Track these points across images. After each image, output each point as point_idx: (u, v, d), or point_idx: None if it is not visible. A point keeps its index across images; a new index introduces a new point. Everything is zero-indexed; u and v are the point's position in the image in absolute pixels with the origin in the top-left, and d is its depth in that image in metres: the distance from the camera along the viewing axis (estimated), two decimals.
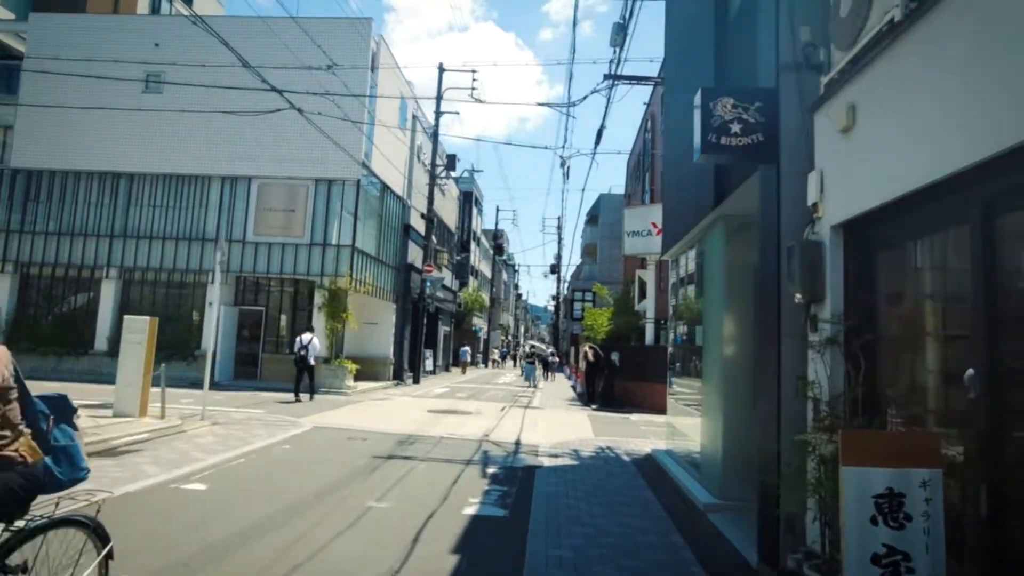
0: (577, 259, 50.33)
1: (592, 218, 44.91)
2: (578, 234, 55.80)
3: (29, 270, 17.92)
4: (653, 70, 21.27)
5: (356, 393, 16.28)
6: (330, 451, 7.68)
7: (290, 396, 13.39)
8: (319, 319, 16.91)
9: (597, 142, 11.09)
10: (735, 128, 4.22)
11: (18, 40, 18.84)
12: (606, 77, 10.13)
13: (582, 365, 21.52)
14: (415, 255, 23.25)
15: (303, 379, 13.30)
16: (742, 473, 6.04)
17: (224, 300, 17.38)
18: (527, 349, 40.80)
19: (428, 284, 22.02)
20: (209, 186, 17.61)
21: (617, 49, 9.35)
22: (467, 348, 43.26)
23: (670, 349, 9.32)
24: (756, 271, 6.17)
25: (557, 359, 40.28)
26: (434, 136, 22.65)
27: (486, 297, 48.33)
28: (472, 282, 46.97)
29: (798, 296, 3.57)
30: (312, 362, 13.41)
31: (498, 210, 46.38)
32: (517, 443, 9.27)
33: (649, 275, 16.46)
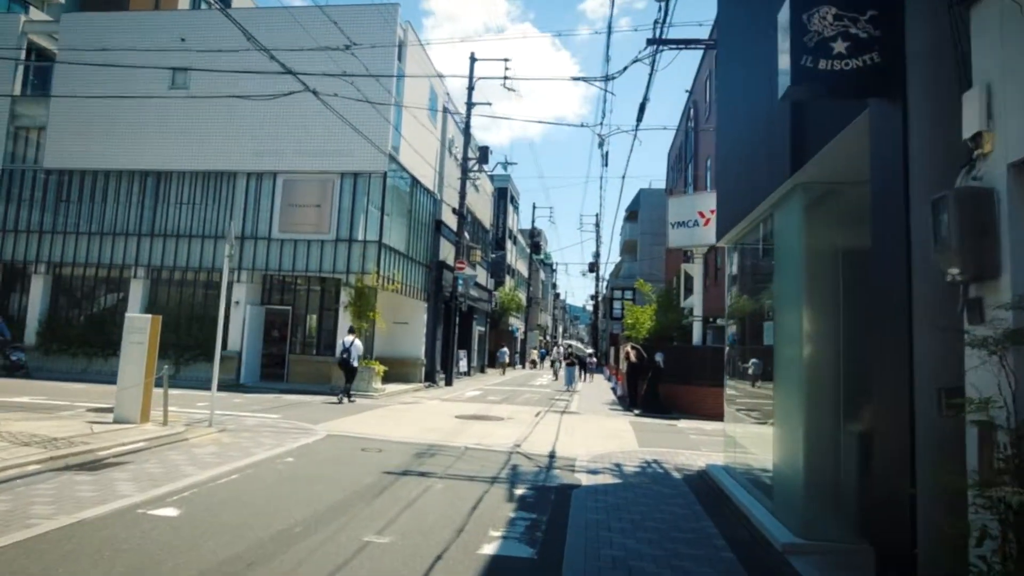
0: (616, 257, 48.86)
1: (631, 214, 43.42)
2: (617, 230, 54.19)
3: (61, 271, 17.86)
4: (702, 33, 20.03)
5: (383, 396, 15.50)
6: (337, 465, 6.79)
7: (322, 397, 12.70)
8: (345, 318, 16.22)
9: (640, 117, 9.94)
10: (839, 47, 3.09)
11: (51, 41, 18.83)
12: (649, 42, 8.98)
13: (623, 366, 20.28)
14: (447, 252, 22.44)
15: (349, 380, 13.47)
16: (831, 505, 4.85)
17: (251, 299, 16.90)
18: (563, 349, 39.66)
19: (460, 282, 21.16)
20: (235, 182, 17.16)
21: (663, 5, 8.20)
22: (505, 349, 42.41)
23: (727, 349, 8.11)
24: (845, 252, 4.97)
25: (595, 359, 38.98)
26: (466, 128, 21.79)
27: (523, 296, 47.35)
28: (508, 281, 46.06)
29: (954, 271, 2.43)
30: (355, 364, 13.37)
31: (534, 207, 45.23)
32: (551, 455, 8.21)
33: (696, 269, 15.15)
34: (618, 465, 7.69)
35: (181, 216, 17.26)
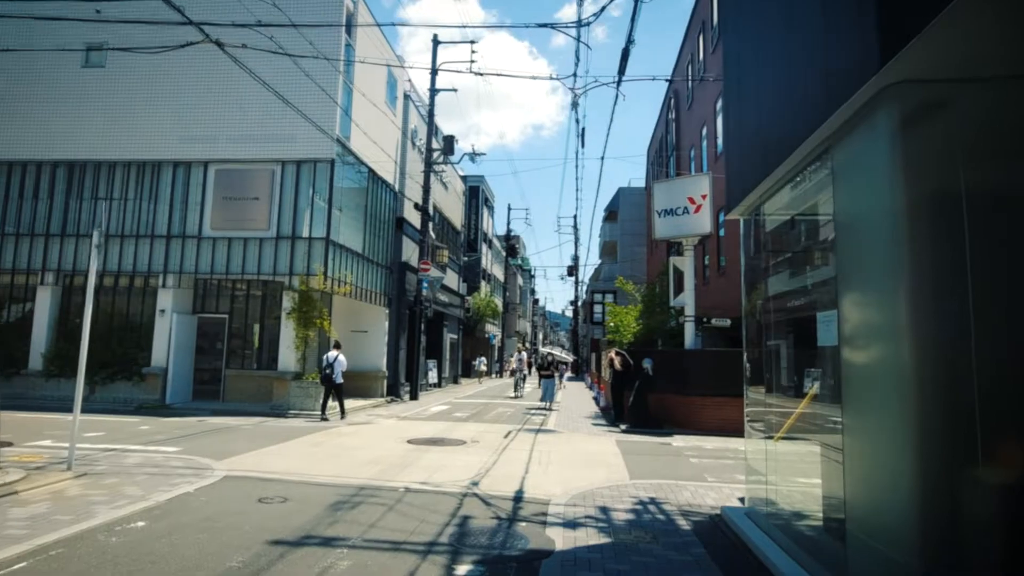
0: (596, 260, 47.21)
1: (611, 214, 41.84)
2: (597, 224, 52.59)
3: None
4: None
5: (332, 415, 13.41)
6: (204, 532, 4.77)
7: (258, 419, 10.58)
8: (287, 326, 14.11)
9: (622, 68, 8.13)
10: None
11: None
12: None
13: (606, 374, 18.44)
14: (411, 253, 20.44)
15: (329, 398, 12.90)
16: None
17: (179, 307, 14.72)
18: (523, 355, 36.63)
19: (425, 285, 19.16)
20: (159, 173, 14.98)
21: None
22: (483, 358, 40.42)
23: (745, 354, 6.28)
24: (975, 196, 3.16)
25: (565, 366, 37.05)
26: (429, 116, 19.86)
27: (499, 302, 45.43)
28: (484, 287, 44.08)
29: None
30: (340, 380, 12.88)
31: (510, 209, 43.22)
32: (517, 498, 6.27)
33: (686, 263, 13.38)
34: (605, 510, 5.78)
35: (97, 213, 14.98)
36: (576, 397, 22.69)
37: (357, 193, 16.80)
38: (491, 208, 45.52)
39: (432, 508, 5.69)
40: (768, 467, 5.58)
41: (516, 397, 20.03)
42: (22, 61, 15.04)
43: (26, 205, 15.17)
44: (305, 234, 14.34)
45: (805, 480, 5.24)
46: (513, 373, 22.91)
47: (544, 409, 15.74)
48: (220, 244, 14.51)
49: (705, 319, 13.57)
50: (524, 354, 22.38)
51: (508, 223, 42.21)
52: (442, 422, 12.86)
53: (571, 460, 8.50)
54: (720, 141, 17.97)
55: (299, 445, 9.05)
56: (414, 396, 18.89)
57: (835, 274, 3.79)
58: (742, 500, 6.41)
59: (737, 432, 12.07)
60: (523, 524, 5.29)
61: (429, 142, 19.70)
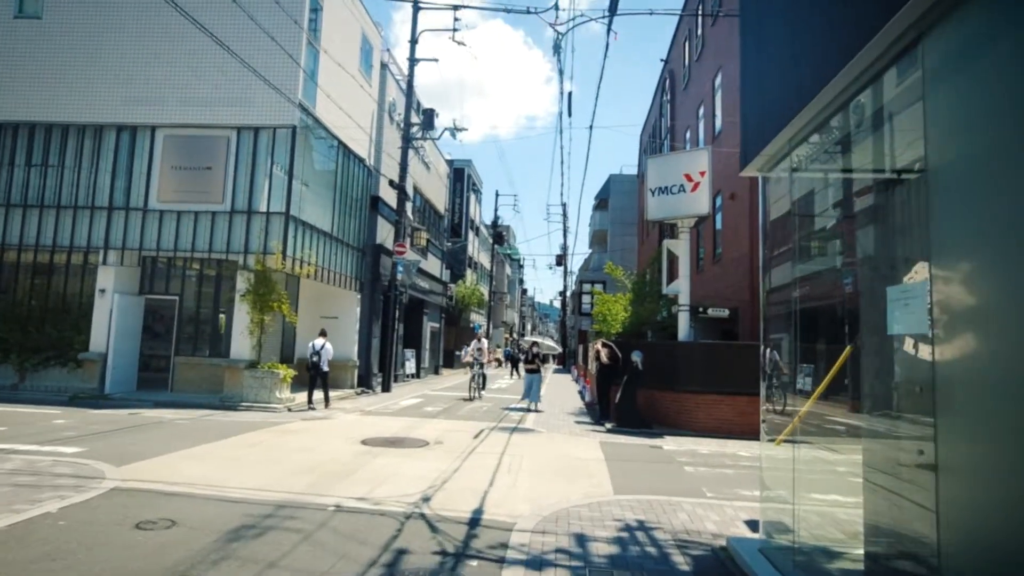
0: (585, 249, 46.08)
1: (601, 202, 40.62)
2: (585, 221, 51.40)
3: None
4: None
5: (288, 409, 12.14)
6: (42, 573, 3.50)
7: (202, 412, 9.30)
8: (241, 310, 12.77)
9: (613, 6, 6.87)
10: None
11: None
12: None
13: (592, 367, 17.28)
14: (387, 234, 19.10)
15: (316, 386, 12.62)
16: None
17: (123, 287, 13.33)
18: (514, 349, 34.13)
19: (400, 268, 17.84)
20: (100, 138, 13.51)
21: None
22: (467, 347, 39.21)
23: (765, 349, 5.09)
24: None
25: (553, 355, 35.53)
26: (408, 86, 18.45)
27: (485, 291, 44.18)
28: (470, 275, 42.78)
29: None
30: (326, 368, 12.66)
31: (497, 195, 41.77)
32: (474, 519, 5.05)
33: (681, 246, 12.19)
34: (581, 540, 4.58)
35: (30, 181, 13.52)
36: (560, 391, 21.53)
37: (325, 168, 15.42)
38: (478, 194, 44.14)
39: (361, 537, 4.45)
40: (780, 481, 4.44)
41: (470, 399, 15.36)
42: None
43: None
44: (263, 208, 12.97)
45: (839, 501, 4.11)
46: (471, 367, 16.77)
47: (525, 409, 13.90)
48: (168, 218, 13.10)
49: (701, 309, 12.41)
50: (484, 342, 16.92)
51: (496, 209, 40.88)
52: (409, 418, 11.63)
53: (547, 468, 7.30)
54: (719, 121, 16.78)
55: (231, 446, 7.77)
56: (386, 388, 17.63)
57: (916, 232, 2.57)
58: (751, 525, 5.25)
59: (734, 434, 10.97)
60: (474, 563, 4.07)
61: (408, 114, 18.32)
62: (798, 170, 4.28)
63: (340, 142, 15.86)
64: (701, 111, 18.99)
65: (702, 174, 11.73)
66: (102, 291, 13.02)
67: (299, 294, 16.93)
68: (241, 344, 12.79)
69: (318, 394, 12.65)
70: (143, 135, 13.30)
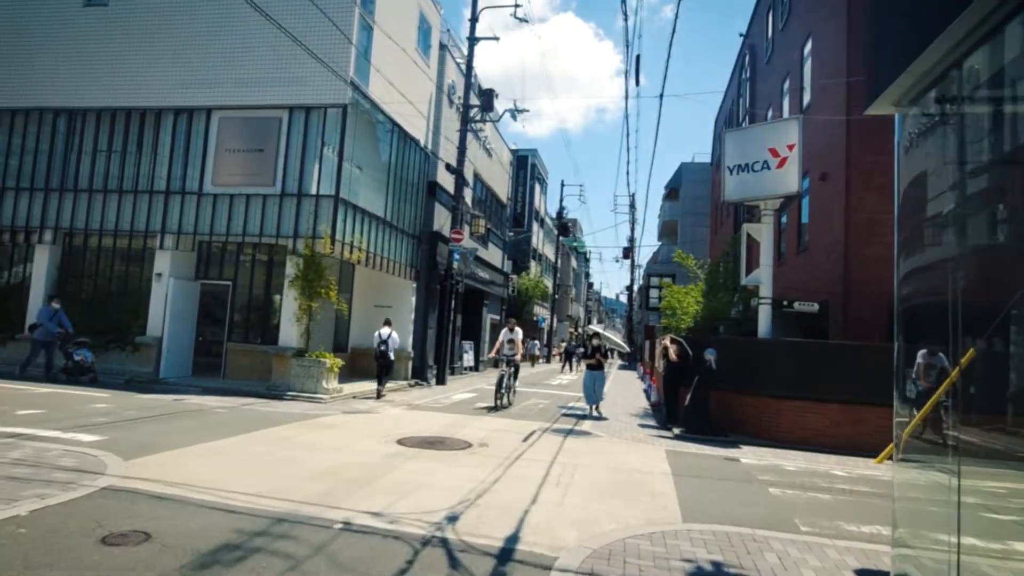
0: (653, 241, 44.19)
1: (672, 191, 38.61)
2: (653, 213, 49.17)
3: None
4: None
5: (335, 399, 11.67)
6: None
7: (244, 400, 8.94)
8: (289, 296, 12.41)
9: None
10: None
11: None
12: None
13: (659, 365, 15.96)
14: (444, 222, 18.44)
15: (384, 375, 12.75)
16: None
17: (179, 271, 13.30)
18: (575, 338, 31.49)
19: (456, 257, 17.14)
20: (159, 122, 13.51)
21: None
22: (536, 341, 38.42)
23: (897, 343, 3.85)
24: None
25: (621, 350, 33.98)
26: (467, 67, 17.68)
27: (549, 284, 43.17)
28: (534, 267, 41.89)
29: None
30: (392, 357, 12.76)
31: (563, 185, 40.48)
32: (507, 550, 4.12)
33: (764, 231, 10.72)
34: None
35: (95, 167, 13.71)
36: (624, 389, 20.27)
37: (380, 151, 14.87)
38: (543, 184, 43.10)
39: (362, 569, 3.61)
40: (923, 517, 3.25)
41: (495, 407, 11.63)
42: (28, 6, 13.92)
43: (23, 158, 14.05)
44: (313, 191, 12.53)
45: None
46: (497, 363, 12.76)
47: (584, 414, 11.84)
48: (221, 202, 12.92)
49: (786, 303, 10.91)
50: (518, 332, 12.36)
51: (561, 200, 39.74)
52: (457, 414, 10.85)
53: (602, 481, 6.25)
54: (807, 95, 14.97)
55: (256, 441, 7.20)
56: (441, 380, 17.01)
57: None
58: None
59: (823, 447, 9.48)
60: None
61: (467, 95, 17.55)
62: (962, 100, 3.03)
63: (395, 124, 15.27)
64: (786, 85, 17.13)
65: (791, 148, 10.22)
66: (158, 275, 13.02)
67: (354, 282, 16.57)
68: (289, 331, 12.45)
69: (390, 383, 12.89)
70: (199, 118, 13.18)
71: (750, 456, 8.46)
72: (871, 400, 9.45)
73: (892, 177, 11.47)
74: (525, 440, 8.45)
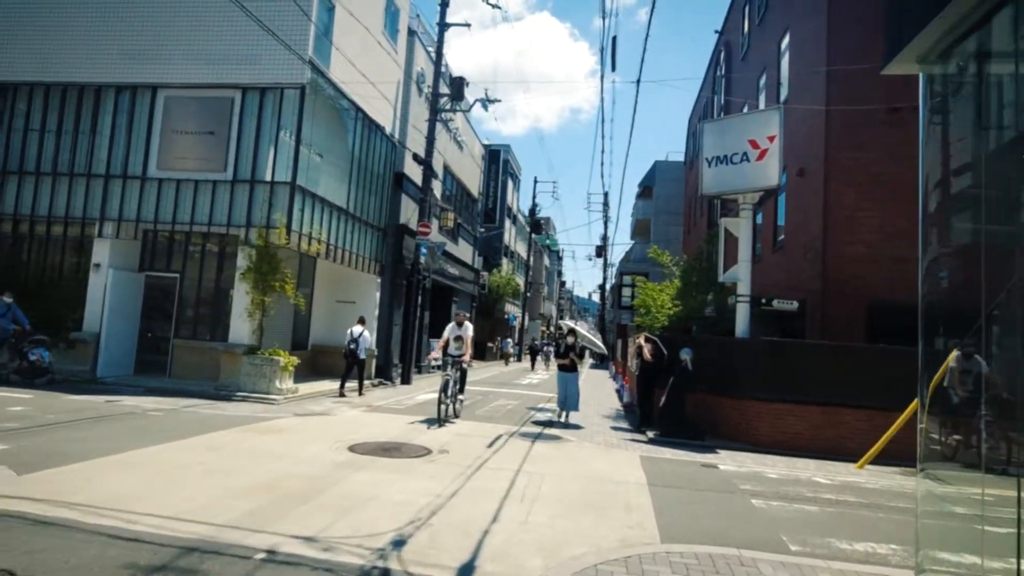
0: (626, 239, 43.97)
1: (645, 190, 38.42)
2: (627, 212, 49.07)
3: None
4: None
5: (289, 400, 10.88)
6: None
7: (187, 402, 8.08)
8: (240, 289, 11.56)
9: None
10: None
11: None
12: None
13: (632, 365, 15.52)
14: (412, 214, 17.70)
15: (351, 375, 12.50)
16: None
17: (120, 262, 12.31)
18: (547, 336, 30.01)
19: (424, 250, 16.42)
20: (100, 100, 12.48)
21: None
22: (509, 339, 37.82)
23: (922, 342, 3.32)
24: None
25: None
26: (437, 53, 16.95)
27: (521, 282, 42.64)
28: (506, 264, 41.31)
29: None
30: (363, 356, 12.49)
31: (536, 181, 39.86)
32: None
33: (742, 226, 10.31)
34: None
35: (27, 147, 12.60)
36: (596, 389, 19.82)
37: (342, 138, 14.08)
38: (516, 181, 42.55)
39: None
40: (951, 535, 2.75)
41: (437, 424, 9.21)
42: None
43: None
44: (267, 177, 11.70)
45: None
46: (444, 365, 10.06)
47: (554, 421, 10.63)
48: (167, 187, 11.98)
49: (764, 300, 10.52)
50: (468, 328, 10.10)
51: (534, 196, 39.22)
52: (419, 416, 10.17)
53: (572, 493, 5.68)
54: (784, 90, 14.68)
55: (187, 448, 6.43)
56: (406, 380, 16.29)
57: None
58: None
59: (802, 451, 9.10)
60: None
61: (436, 83, 16.83)
62: (1002, 55, 2.51)
63: (359, 110, 14.48)
64: (763, 81, 16.86)
65: (771, 139, 9.82)
66: (96, 266, 12.02)
67: (315, 276, 15.75)
68: (240, 327, 11.60)
69: (351, 383, 12.22)
70: (143, 96, 12.21)
71: (729, 462, 8.00)
72: (851, 402, 9.11)
73: (873, 173, 11.07)
74: (490, 446, 7.84)
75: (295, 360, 11.53)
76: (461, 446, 7.65)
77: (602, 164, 67.80)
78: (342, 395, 12.04)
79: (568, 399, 10.76)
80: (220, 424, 7.94)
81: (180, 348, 12.46)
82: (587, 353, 30.71)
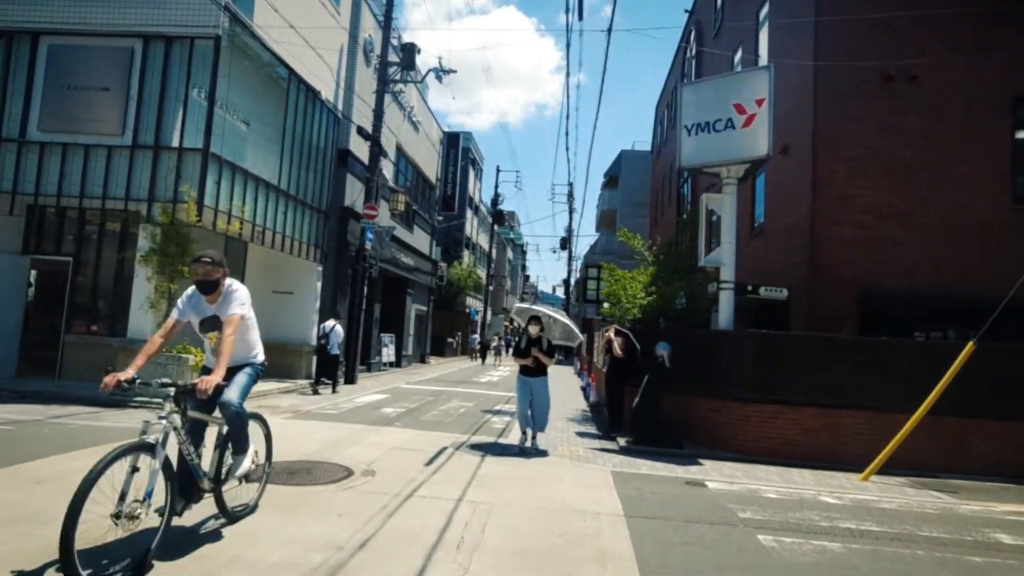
0: (591, 231, 42.88)
1: (611, 179, 37.38)
2: (592, 203, 47.97)
3: None
4: None
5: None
6: None
7: (59, 410, 6.28)
8: (142, 274, 9.78)
9: None
10: None
11: None
12: None
13: (599, 360, 14.23)
14: (359, 196, 16.01)
15: (324, 371, 12.33)
16: None
17: (3, 245, 10.34)
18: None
19: (370, 235, 14.77)
20: None
21: None
22: (476, 336, 36.30)
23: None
24: None
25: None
26: (386, 17, 15.27)
27: (483, 274, 41.18)
28: (468, 256, 39.77)
29: None
30: (336, 351, 12.35)
31: (499, 171, 38.39)
32: None
33: (726, 203, 9.06)
34: None
35: None
36: (559, 386, 18.52)
37: (273, 105, 12.31)
38: (479, 171, 41.03)
39: None
40: None
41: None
42: None
43: None
44: (174, 143, 9.90)
45: None
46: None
47: (518, 446, 7.60)
48: (51, 153, 10.06)
49: (750, 288, 9.30)
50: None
51: (496, 186, 37.76)
52: (353, 424, 8.61)
53: (527, 536, 4.24)
54: (763, 62, 13.57)
55: (2, 480, 4.75)
56: (350, 379, 14.62)
57: None
58: None
59: (796, 459, 7.89)
60: None
61: (385, 50, 15.16)
62: None
63: (295, 75, 12.73)
64: (738, 56, 15.74)
65: (759, 103, 8.57)
66: None
67: (246, 263, 13.93)
68: (142, 320, 9.82)
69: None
70: (21, 44, 10.22)
71: (716, 477, 6.71)
72: (850, 403, 7.97)
73: (866, 147, 9.65)
74: (429, 463, 6.35)
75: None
76: (393, 464, 6.15)
77: (567, 134, 66.47)
78: (316, 392, 12.05)
79: (536, 415, 7.63)
80: (85, 441, 6.24)
81: (72, 345, 10.55)
82: (556, 350, 29.36)
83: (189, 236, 9.80)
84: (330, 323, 12.53)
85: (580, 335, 6.40)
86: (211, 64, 9.96)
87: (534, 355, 7.64)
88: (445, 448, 7.21)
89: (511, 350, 8.94)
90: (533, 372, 7.72)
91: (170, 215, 9.62)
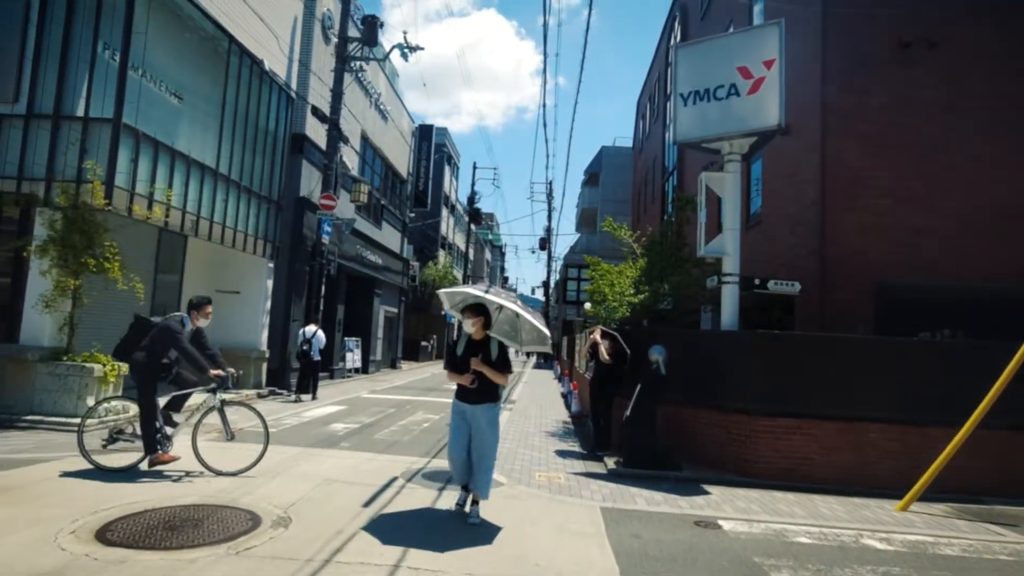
0: (570, 230, 41.71)
1: (591, 177, 36.24)
2: (572, 202, 46.92)
3: None
4: None
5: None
6: None
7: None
8: (36, 266, 8.18)
9: None
10: None
11: None
12: None
13: (581, 366, 12.97)
14: (316, 186, 14.49)
15: (308, 378, 11.99)
16: None
17: None
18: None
19: (326, 228, 13.27)
20: None
21: None
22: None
23: None
24: None
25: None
26: None
27: (459, 275, 39.74)
28: (444, 257, 38.28)
29: None
30: (317, 358, 11.92)
31: (475, 167, 36.78)
32: None
33: (728, 183, 7.82)
34: None
35: None
36: (538, 393, 17.18)
37: (212, 78, 10.78)
38: (455, 168, 39.60)
39: None
40: None
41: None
42: None
43: None
44: (79, 112, 8.33)
45: None
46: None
47: (461, 502, 4.86)
48: None
49: (758, 282, 8.05)
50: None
51: (473, 183, 36.31)
52: (288, 448, 7.16)
53: None
54: None
55: None
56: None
57: None
58: None
59: (815, 483, 6.64)
60: None
61: (344, 23, 13.72)
62: None
63: (236, 44, 11.22)
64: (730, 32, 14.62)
65: (769, 65, 7.35)
66: None
67: (185, 258, 12.35)
68: (37, 323, 8.22)
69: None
70: None
71: (729, 511, 5.41)
72: (878, 415, 6.76)
73: (880, 123, 8.08)
74: (368, 503, 4.93)
75: (120, 368, 8.21)
76: (320, 506, 4.72)
77: (544, 123, 65.34)
78: (298, 399, 11.80)
79: (476, 469, 4.64)
80: None
81: None
82: (523, 356, 27.99)
83: (98, 223, 8.23)
84: (311, 328, 12.21)
85: (547, 332, 4.74)
86: (125, 17, 8.41)
87: (475, 368, 4.54)
88: (395, 479, 5.80)
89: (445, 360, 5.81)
90: (474, 396, 4.59)
91: (72, 198, 8.05)
